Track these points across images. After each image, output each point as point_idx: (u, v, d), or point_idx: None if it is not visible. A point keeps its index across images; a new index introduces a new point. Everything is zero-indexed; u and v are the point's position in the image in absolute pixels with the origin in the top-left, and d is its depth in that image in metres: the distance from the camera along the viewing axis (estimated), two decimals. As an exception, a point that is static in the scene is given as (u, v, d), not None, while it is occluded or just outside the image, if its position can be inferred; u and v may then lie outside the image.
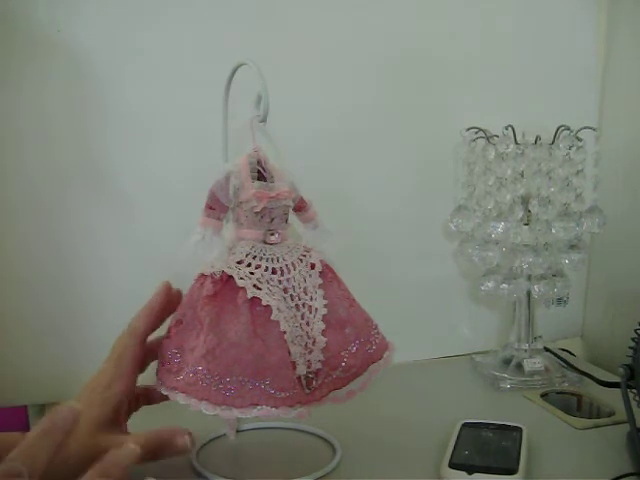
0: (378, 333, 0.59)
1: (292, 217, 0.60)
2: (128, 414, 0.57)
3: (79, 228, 0.75)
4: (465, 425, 0.65)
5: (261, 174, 0.55)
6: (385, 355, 0.58)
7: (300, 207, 0.59)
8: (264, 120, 0.54)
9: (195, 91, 0.73)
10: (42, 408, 0.81)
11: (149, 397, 0.60)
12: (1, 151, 0.72)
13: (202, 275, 0.54)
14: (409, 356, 0.88)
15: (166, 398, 0.55)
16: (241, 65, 0.57)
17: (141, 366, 0.57)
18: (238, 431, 0.66)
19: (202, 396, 0.51)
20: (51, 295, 0.75)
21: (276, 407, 0.51)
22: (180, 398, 0.52)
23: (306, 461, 0.60)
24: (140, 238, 0.76)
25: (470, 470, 0.56)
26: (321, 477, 0.58)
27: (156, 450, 0.53)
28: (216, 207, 0.55)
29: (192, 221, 0.56)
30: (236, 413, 0.51)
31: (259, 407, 0.51)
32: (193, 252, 0.53)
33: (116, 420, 0.54)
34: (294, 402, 0.52)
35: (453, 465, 0.57)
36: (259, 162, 0.55)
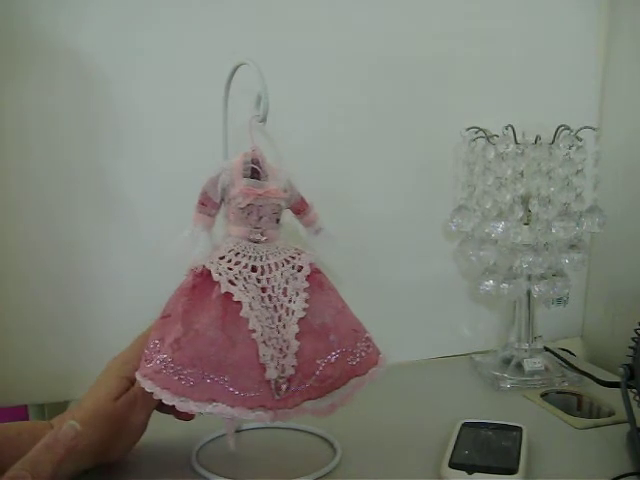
0: (368, 346, 0.57)
1: (295, 220, 0.60)
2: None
3: (82, 228, 0.76)
4: (465, 425, 0.65)
5: (257, 173, 0.55)
6: (370, 371, 0.57)
7: (300, 209, 0.59)
8: (264, 120, 0.54)
9: (195, 91, 0.73)
10: (42, 408, 0.81)
11: None
12: (5, 151, 0.72)
13: (191, 270, 0.54)
14: (409, 356, 0.88)
15: None
16: (241, 65, 0.57)
17: None
18: (237, 431, 0.66)
19: (164, 385, 0.51)
20: (52, 295, 0.76)
21: (232, 406, 0.50)
22: (147, 385, 0.52)
23: (306, 461, 0.60)
24: (141, 237, 0.76)
25: (470, 470, 0.56)
26: (321, 477, 0.58)
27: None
28: (207, 203, 0.55)
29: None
30: (192, 406, 0.50)
31: (215, 403, 0.50)
32: (183, 248, 0.54)
33: (135, 399, 0.57)
34: (255, 404, 0.51)
35: (453, 465, 0.57)
36: (256, 161, 0.55)
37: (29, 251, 0.74)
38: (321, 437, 0.65)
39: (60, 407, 0.74)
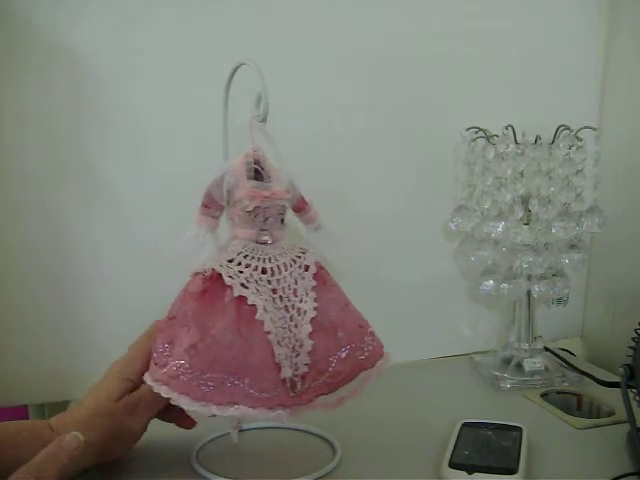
0: (373, 340, 0.58)
1: (295, 219, 0.60)
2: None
3: (81, 228, 0.76)
4: (465, 425, 0.65)
5: (259, 174, 0.55)
6: (378, 363, 0.58)
7: (300, 208, 0.59)
8: (264, 120, 0.54)
9: (195, 91, 0.73)
10: (42, 408, 0.81)
11: None
12: (4, 151, 0.72)
13: (196, 273, 0.54)
14: (409, 356, 0.88)
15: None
16: (241, 65, 0.57)
17: None
18: (240, 430, 0.66)
19: (182, 390, 0.51)
20: (52, 295, 0.75)
21: (253, 407, 0.51)
22: (163, 390, 0.52)
23: (306, 461, 0.60)
24: (140, 238, 0.76)
25: (470, 470, 0.56)
26: (321, 477, 0.58)
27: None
28: (211, 205, 0.55)
29: (192, 221, 0.56)
30: (214, 410, 0.51)
31: (236, 406, 0.51)
32: (187, 250, 0.54)
33: (137, 402, 0.57)
34: (274, 404, 0.51)
35: (453, 465, 0.57)
36: (257, 162, 0.55)
37: (28, 252, 0.74)
38: (321, 437, 0.65)
39: (60, 407, 0.74)
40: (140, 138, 0.76)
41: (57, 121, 0.73)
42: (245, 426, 0.67)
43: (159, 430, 0.60)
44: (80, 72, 0.73)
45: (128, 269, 0.77)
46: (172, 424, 0.61)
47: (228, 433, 0.65)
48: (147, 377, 0.54)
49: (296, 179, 0.58)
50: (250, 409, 0.51)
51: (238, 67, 0.58)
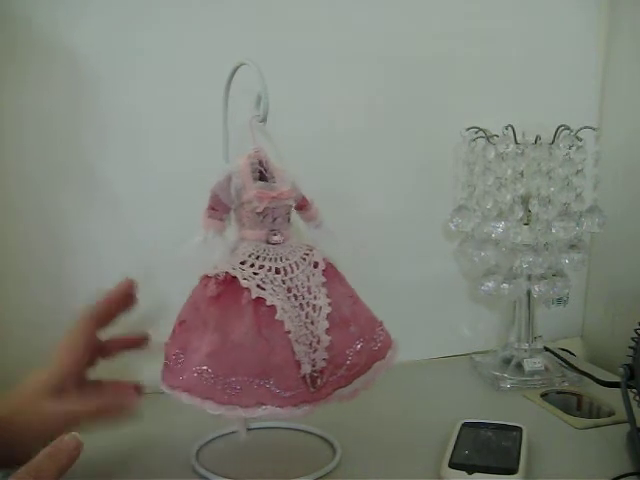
0: (382, 330, 0.59)
1: (294, 215, 0.60)
2: (79, 383, 0.57)
3: (80, 228, 0.76)
4: (465, 425, 0.65)
5: (262, 174, 0.55)
6: (389, 354, 0.58)
7: (302, 205, 0.60)
8: (264, 120, 0.54)
9: (195, 91, 0.73)
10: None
11: (103, 351, 0.60)
12: (3, 152, 0.72)
13: (206, 276, 0.54)
14: (409, 356, 0.88)
15: (121, 351, 0.58)
16: (241, 65, 0.57)
17: (92, 341, 0.58)
18: (236, 431, 0.66)
19: (206, 395, 0.51)
20: (51, 295, 0.75)
21: (281, 407, 0.51)
22: (183, 397, 0.52)
23: (306, 461, 0.60)
24: (140, 238, 0.76)
25: (470, 470, 0.56)
26: (321, 477, 0.58)
27: (103, 414, 0.55)
28: (218, 208, 0.55)
29: (192, 221, 0.56)
30: (241, 412, 0.51)
31: (264, 407, 0.51)
32: (195, 253, 0.54)
33: (64, 388, 0.55)
34: (299, 401, 0.52)
35: (453, 465, 0.57)
36: (260, 162, 0.55)
37: (28, 251, 0.74)
38: (321, 437, 0.65)
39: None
40: (140, 138, 0.76)
41: (56, 121, 0.73)
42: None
43: (159, 430, 0.60)
44: (80, 72, 0.73)
45: (128, 269, 0.77)
46: (173, 420, 0.60)
47: (228, 433, 0.65)
48: (162, 384, 0.54)
49: (296, 179, 0.58)
50: (278, 408, 0.51)
51: (238, 67, 0.58)
